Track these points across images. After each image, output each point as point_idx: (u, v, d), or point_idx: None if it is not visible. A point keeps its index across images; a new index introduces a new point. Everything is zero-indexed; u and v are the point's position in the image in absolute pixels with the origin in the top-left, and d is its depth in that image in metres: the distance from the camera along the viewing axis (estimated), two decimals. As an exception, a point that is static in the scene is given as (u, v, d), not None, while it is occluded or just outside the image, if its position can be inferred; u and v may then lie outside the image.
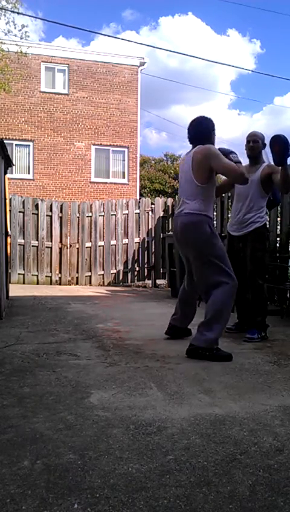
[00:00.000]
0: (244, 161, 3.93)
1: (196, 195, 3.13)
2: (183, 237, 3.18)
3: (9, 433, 1.80)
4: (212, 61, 39.89)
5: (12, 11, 10.86)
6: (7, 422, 1.90)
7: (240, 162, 3.16)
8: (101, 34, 58.64)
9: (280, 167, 3.39)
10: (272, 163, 3.58)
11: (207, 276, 3.10)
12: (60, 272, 8.81)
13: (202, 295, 3.25)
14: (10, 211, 7.80)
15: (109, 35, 55.30)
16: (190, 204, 3.14)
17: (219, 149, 3.15)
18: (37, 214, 8.71)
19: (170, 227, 8.80)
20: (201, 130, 3.23)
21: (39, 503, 1.33)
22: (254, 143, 3.73)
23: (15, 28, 11.11)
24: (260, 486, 1.44)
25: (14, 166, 7.55)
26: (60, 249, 8.83)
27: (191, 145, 3.29)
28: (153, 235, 9.14)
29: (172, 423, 1.92)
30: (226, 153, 3.14)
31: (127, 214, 9.13)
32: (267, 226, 3.87)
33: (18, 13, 11.04)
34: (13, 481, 1.44)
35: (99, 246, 8.98)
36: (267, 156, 3.83)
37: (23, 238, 8.63)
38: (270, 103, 61.86)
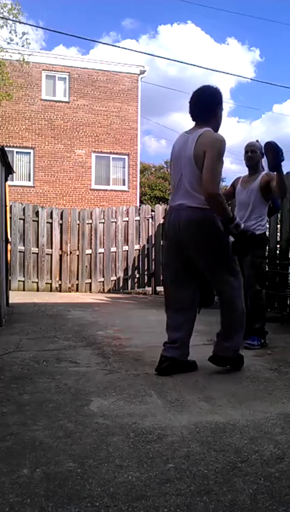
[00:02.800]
0: (244, 170, 4.00)
1: (200, 186, 2.61)
2: (190, 235, 2.67)
3: (9, 440, 1.79)
4: (211, 70, 40.20)
5: (14, 21, 10.98)
6: (6, 430, 1.89)
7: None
8: (102, 43, 59.30)
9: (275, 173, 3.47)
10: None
11: (222, 274, 2.76)
12: (60, 279, 8.81)
13: (220, 294, 2.85)
14: (11, 218, 7.81)
15: (109, 44, 55.82)
16: (195, 196, 2.63)
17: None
18: (38, 221, 8.72)
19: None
20: (206, 103, 2.71)
21: (38, 511, 1.32)
22: (252, 153, 3.79)
23: (16, 36, 11.24)
24: (261, 495, 1.43)
25: (14, 174, 7.57)
26: (60, 256, 8.83)
27: (193, 122, 2.78)
28: (153, 242, 9.14)
29: (172, 431, 1.90)
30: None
31: (127, 221, 9.15)
32: (267, 234, 3.90)
33: (20, 22, 11.17)
34: (12, 489, 1.43)
35: (100, 253, 8.98)
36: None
37: (24, 245, 8.64)
38: (269, 111, 62.22)
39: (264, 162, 3.87)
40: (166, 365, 2.71)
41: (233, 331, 2.83)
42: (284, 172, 3.65)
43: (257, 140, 3.94)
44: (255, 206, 3.71)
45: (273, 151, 3.39)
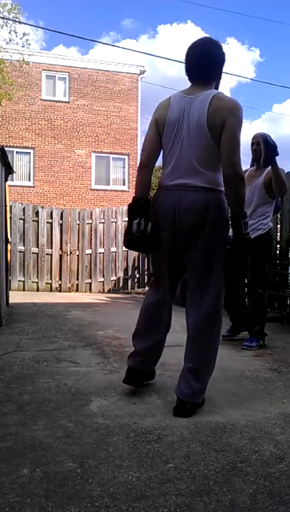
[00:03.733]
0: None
1: (211, 159, 2.11)
2: (193, 222, 2.10)
3: (9, 440, 1.79)
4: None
5: (14, 21, 10.99)
6: (6, 430, 1.89)
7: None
8: (101, 43, 59.22)
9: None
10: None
11: (217, 281, 2.17)
12: (60, 279, 8.81)
13: (191, 299, 2.25)
14: (11, 218, 7.81)
15: (109, 44, 55.81)
16: (204, 173, 2.11)
17: None
18: (38, 221, 8.72)
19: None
20: (210, 59, 2.18)
21: (38, 511, 1.32)
22: (257, 145, 3.56)
23: (16, 36, 11.25)
24: (261, 495, 1.43)
25: (14, 174, 7.57)
26: (60, 255, 8.83)
27: (190, 81, 2.24)
28: (153, 242, 9.13)
29: (172, 431, 1.90)
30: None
31: (127, 221, 9.12)
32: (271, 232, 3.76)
33: (20, 22, 11.19)
34: (12, 489, 1.43)
35: (100, 253, 8.98)
36: None
37: (24, 245, 8.63)
38: (269, 110, 62.25)
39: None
40: (134, 377, 2.42)
41: (205, 370, 2.18)
42: (285, 172, 3.64)
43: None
44: (259, 204, 3.55)
45: (264, 144, 3.31)
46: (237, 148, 2.06)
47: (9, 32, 11.20)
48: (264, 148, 3.35)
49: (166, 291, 2.32)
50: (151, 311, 2.37)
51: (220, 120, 2.04)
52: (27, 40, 11.34)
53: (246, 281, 3.77)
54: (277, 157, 3.43)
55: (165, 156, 2.22)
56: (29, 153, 14.66)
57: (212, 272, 2.16)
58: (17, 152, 14.42)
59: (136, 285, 9.21)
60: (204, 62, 2.17)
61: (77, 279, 8.90)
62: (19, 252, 8.59)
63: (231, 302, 3.77)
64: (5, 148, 4.78)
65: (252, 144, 3.64)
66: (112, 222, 9.06)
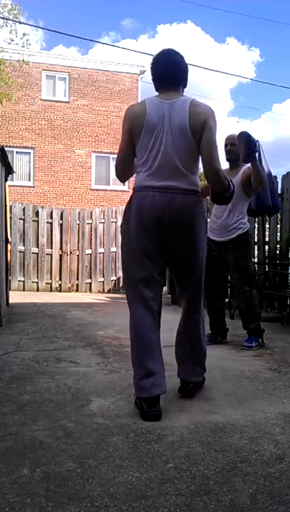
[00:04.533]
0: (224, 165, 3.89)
1: (194, 161, 2.22)
2: (181, 226, 2.17)
3: (9, 440, 1.79)
4: (211, 70, 40.17)
5: (14, 21, 10.99)
6: (6, 430, 1.89)
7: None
8: (101, 43, 59.32)
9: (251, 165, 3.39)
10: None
11: (201, 278, 2.35)
12: (60, 279, 8.81)
13: (184, 302, 2.43)
14: (11, 218, 7.81)
15: (109, 44, 55.83)
16: (189, 176, 2.19)
17: None
18: (38, 221, 8.73)
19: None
20: (178, 68, 2.29)
21: (38, 511, 1.32)
22: (232, 146, 3.61)
23: (16, 36, 11.26)
24: (261, 495, 1.43)
25: (14, 174, 7.57)
26: (60, 256, 8.83)
27: (160, 89, 2.29)
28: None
29: (172, 431, 1.90)
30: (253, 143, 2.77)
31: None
32: (249, 231, 3.77)
33: (20, 23, 11.20)
34: (12, 489, 1.43)
35: (100, 253, 8.98)
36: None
37: (24, 245, 8.64)
38: (269, 110, 62.29)
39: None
40: (159, 409, 2.32)
41: (202, 353, 2.42)
42: (285, 172, 3.64)
43: (257, 140, 3.89)
44: (236, 202, 3.50)
45: (246, 141, 3.30)
46: (215, 146, 2.19)
47: (10, 32, 11.23)
48: (247, 144, 3.33)
49: (152, 299, 2.25)
50: (142, 328, 2.25)
51: (201, 123, 2.15)
52: (27, 40, 11.36)
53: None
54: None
55: (144, 159, 2.21)
56: (29, 153, 14.66)
57: (196, 269, 2.31)
58: (17, 152, 14.43)
59: (136, 285, 9.20)
60: (173, 69, 2.28)
61: (77, 279, 8.90)
62: (19, 252, 8.60)
63: (212, 308, 3.79)
64: (5, 148, 4.78)
65: (226, 145, 3.68)
66: (112, 222, 9.06)
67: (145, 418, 2.02)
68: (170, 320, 3.66)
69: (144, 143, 2.19)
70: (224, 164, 3.77)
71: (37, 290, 8.61)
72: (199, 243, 2.27)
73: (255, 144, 3.36)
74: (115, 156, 2.62)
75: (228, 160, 3.72)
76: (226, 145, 3.68)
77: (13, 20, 11.07)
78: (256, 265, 5.70)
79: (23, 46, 11.38)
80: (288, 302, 5.26)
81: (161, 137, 2.16)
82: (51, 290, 8.69)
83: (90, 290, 8.94)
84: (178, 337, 2.47)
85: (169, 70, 2.27)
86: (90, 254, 8.95)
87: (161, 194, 2.15)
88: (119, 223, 9.06)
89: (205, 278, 2.45)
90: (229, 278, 4.10)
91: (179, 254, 2.25)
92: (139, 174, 2.26)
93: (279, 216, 5.44)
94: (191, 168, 2.20)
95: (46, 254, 8.75)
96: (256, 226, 6.03)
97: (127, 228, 2.23)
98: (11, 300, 5.98)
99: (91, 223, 8.95)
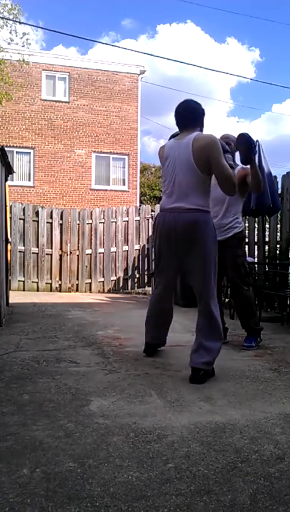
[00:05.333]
0: None
1: (197, 187, 2.75)
2: (187, 237, 2.73)
3: (9, 440, 1.79)
4: (211, 70, 40.20)
5: (14, 21, 10.99)
6: (6, 430, 1.89)
7: (233, 165, 3.08)
8: (101, 43, 59.24)
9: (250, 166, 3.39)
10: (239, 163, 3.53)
11: (210, 282, 2.77)
12: (60, 279, 8.81)
13: (200, 302, 2.82)
14: (11, 218, 7.81)
15: (109, 44, 55.76)
16: (192, 198, 2.74)
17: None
18: (38, 221, 8.72)
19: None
20: (193, 113, 2.88)
21: (38, 511, 1.32)
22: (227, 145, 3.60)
23: (16, 36, 11.26)
24: (261, 495, 1.43)
25: (14, 174, 7.57)
26: (60, 255, 8.83)
27: (180, 131, 2.92)
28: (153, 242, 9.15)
29: (172, 431, 1.91)
30: (223, 150, 2.88)
31: (127, 221, 9.15)
32: (256, 233, 3.85)
33: (20, 23, 11.18)
34: (12, 489, 1.43)
35: (100, 253, 8.98)
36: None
37: (24, 245, 8.64)
38: (269, 110, 62.31)
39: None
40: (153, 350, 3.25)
41: (212, 342, 2.75)
42: (284, 172, 3.64)
43: (257, 141, 3.89)
44: (231, 202, 3.56)
45: (245, 143, 3.29)
46: (225, 169, 2.74)
47: (10, 32, 11.22)
48: (246, 146, 3.32)
49: (165, 288, 3.07)
50: (156, 303, 3.15)
51: (205, 158, 2.70)
52: (27, 39, 11.33)
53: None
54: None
55: (165, 186, 2.91)
56: (29, 153, 14.66)
57: (206, 274, 2.76)
58: (17, 152, 14.42)
59: (136, 285, 9.21)
60: (188, 116, 2.86)
61: (77, 279, 8.90)
62: (19, 252, 8.59)
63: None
64: (5, 148, 4.78)
65: (227, 144, 3.63)
66: (112, 222, 9.06)
67: (143, 351, 3.22)
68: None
69: (164, 174, 2.93)
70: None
71: (37, 290, 8.61)
72: (205, 249, 2.74)
73: (254, 146, 3.37)
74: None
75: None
76: None
77: (13, 20, 11.06)
78: (256, 265, 5.71)
79: (23, 46, 11.37)
80: (288, 302, 5.26)
81: (172, 170, 2.82)
82: (51, 290, 8.69)
83: (90, 290, 8.94)
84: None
85: (184, 115, 2.85)
86: (90, 254, 8.95)
87: (169, 214, 2.81)
88: (119, 222, 9.10)
89: None
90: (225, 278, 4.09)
91: (187, 259, 2.81)
92: (162, 197, 2.98)
93: (279, 216, 5.45)
94: (197, 191, 2.74)
95: (46, 254, 8.75)
96: (256, 226, 6.04)
97: (154, 238, 3.05)
98: (11, 300, 5.98)
99: (91, 223, 8.95)
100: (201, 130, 2.87)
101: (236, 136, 3.41)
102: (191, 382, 2.58)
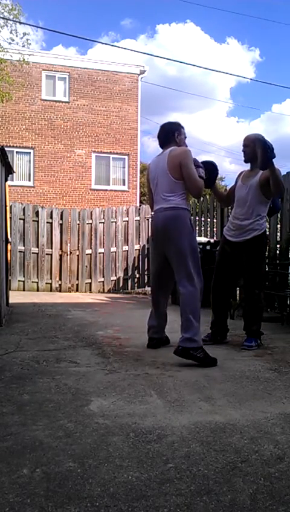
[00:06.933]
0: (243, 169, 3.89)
1: (173, 190, 3.24)
2: (165, 232, 3.23)
3: (9, 440, 1.79)
4: (211, 69, 40.18)
5: (15, 21, 10.99)
6: (6, 430, 1.89)
7: (203, 178, 3.28)
8: (101, 43, 59.34)
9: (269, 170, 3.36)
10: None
11: (186, 266, 3.15)
12: (60, 279, 8.81)
13: (178, 286, 3.21)
14: (11, 218, 7.81)
15: (108, 44, 55.74)
16: (169, 199, 3.24)
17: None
18: (38, 221, 8.72)
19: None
20: (165, 133, 3.41)
21: (38, 511, 1.32)
22: (245, 147, 3.60)
23: (17, 36, 11.26)
24: (261, 495, 1.43)
25: (14, 174, 7.57)
26: (60, 256, 8.83)
27: (161, 149, 3.43)
28: (153, 242, 9.14)
29: (172, 431, 1.90)
30: (196, 164, 3.26)
31: (127, 221, 9.15)
32: (267, 233, 3.78)
33: (20, 23, 11.19)
34: (12, 489, 1.43)
35: (100, 253, 8.98)
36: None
37: (24, 245, 8.64)
38: (269, 110, 62.32)
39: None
40: (154, 343, 3.53)
41: (189, 322, 3.10)
42: (284, 173, 3.63)
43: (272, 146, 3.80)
44: (254, 203, 3.54)
45: (262, 147, 3.29)
46: (192, 173, 3.19)
47: (11, 32, 11.22)
48: (263, 151, 3.31)
49: (153, 278, 3.63)
50: (153, 297, 3.58)
51: (177, 165, 3.21)
52: (27, 39, 11.34)
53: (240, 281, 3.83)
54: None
55: (153, 193, 3.44)
56: (29, 153, 14.66)
57: (180, 263, 3.19)
58: (17, 152, 14.43)
59: (136, 285, 9.21)
60: (161, 135, 3.43)
61: (77, 279, 8.90)
62: (19, 252, 8.59)
63: (218, 306, 3.80)
64: (5, 148, 4.78)
65: (244, 146, 3.63)
66: (112, 222, 9.06)
67: (146, 346, 3.55)
68: (171, 321, 3.67)
69: (150, 184, 3.49)
70: (245, 167, 3.80)
71: (37, 290, 8.61)
72: (182, 242, 3.17)
73: (272, 150, 3.32)
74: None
75: (245, 162, 3.69)
76: (243, 146, 3.63)
77: (13, 20, 11.06)
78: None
79: (23, 46, 11.37)
80: (288, 302, 5.26)
81: (157, 180, 3.36)
82: (51, 290, 8.69)
83: (90, 290, 8.94)
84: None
85: (160, 137, 3.44)
86: (90, 254, 8.95)
87: (155, 214, 3.39)
88: (119, 222, 9.10)
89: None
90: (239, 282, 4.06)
91: (167, 251, 3.29)
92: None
93: (279, 216, 5.44)
94: (173, 194, 3.24)
95: (46, 254, 8.75)
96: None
97: (151, 235, 3.59)
98: (11, 300, 5.98)
99: (91, 223, 8.95)
100: (178, 145, 3.35)
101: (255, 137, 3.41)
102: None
